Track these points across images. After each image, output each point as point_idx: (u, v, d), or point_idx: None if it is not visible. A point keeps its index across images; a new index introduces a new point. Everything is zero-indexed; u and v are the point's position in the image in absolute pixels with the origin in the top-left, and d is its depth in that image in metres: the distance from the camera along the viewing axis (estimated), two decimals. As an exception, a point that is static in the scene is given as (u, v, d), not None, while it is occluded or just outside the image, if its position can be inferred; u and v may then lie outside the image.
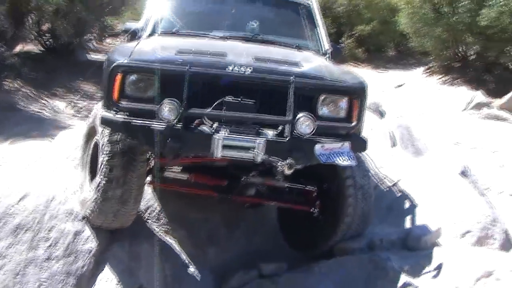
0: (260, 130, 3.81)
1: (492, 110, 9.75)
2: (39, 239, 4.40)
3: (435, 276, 3.99)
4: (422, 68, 14.78)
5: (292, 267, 4.80)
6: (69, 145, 5.84)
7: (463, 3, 10.21)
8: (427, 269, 4.07)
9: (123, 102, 3.88)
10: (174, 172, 4.55)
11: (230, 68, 3.90)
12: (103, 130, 4.21)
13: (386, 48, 20.41)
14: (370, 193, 4.58)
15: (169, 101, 3.66)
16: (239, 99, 3.82)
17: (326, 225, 4.67)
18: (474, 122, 9.34)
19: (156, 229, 5.00)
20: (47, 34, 13.24)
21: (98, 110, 4.31)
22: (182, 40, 4.74)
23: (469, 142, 8.48)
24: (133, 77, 3.91)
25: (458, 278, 3.88)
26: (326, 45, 5.30)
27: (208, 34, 4.94)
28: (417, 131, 7.76)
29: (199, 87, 3.88)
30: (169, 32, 4.98)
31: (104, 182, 4.16)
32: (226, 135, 3.68)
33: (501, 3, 9.49)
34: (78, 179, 4.88)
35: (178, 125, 3.68)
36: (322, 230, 4.71)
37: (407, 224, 5.09)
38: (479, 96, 9.92)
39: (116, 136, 4.11)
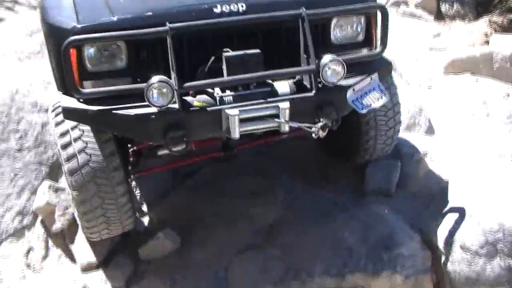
0: (274, 89, 3.06)
1: (409, 8, 10.35)
2: (9, 131, 4.55)
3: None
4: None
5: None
6: (14, 37, 5.83)
7: None
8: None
9: (86, 86, 2.96)
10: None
11: (218, 8, 3.04)
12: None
13: None
14: (397, 120, 4.04)
15: (157, 81, 2.77)
16: (243, 53, 2.98)
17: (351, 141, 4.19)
18: (392, 18, 9.91)
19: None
20: None
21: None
22: None
23: (388, 37, 9.04)
24: (93, 49, 2.94)
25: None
26: None
27: None
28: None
29: (182, 45, 3.05)
30: None
31: (75, 195, 3.38)
32: (241, 107, 2.92)
33: None
34: None
35: (173, 107, 2.87)
36: (350, 145, 4.24)
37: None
38: (397, -7, 10.43)
39: (68, 133, 3.28)
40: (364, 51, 3.38)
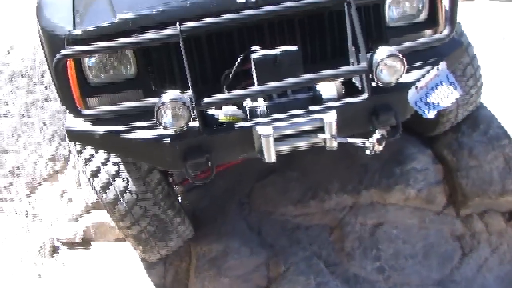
0: (317, 93, 2.48)
1: None
2: (35, 83, 4.79)
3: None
4: None
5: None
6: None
7: None
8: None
9: (90, 103, 2.48)
10: None
11: None
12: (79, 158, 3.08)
13: None
14: (478, 75, 3.46)
15: (169, 101, 2.24)
16: (275, 52, 2.36)
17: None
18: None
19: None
20: None
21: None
22: None
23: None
24: (95, 58, 2.46)
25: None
26: None
27: None
28: None
29: (201, 44, 2.52)
30: None
31: (121, 224, 3.15)
32: (275, 122, 2.35)
33: None
34: None
35: (193, 125, 2.35)
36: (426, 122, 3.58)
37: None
38: None
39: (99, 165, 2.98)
40: (427, 34, 2.66)
